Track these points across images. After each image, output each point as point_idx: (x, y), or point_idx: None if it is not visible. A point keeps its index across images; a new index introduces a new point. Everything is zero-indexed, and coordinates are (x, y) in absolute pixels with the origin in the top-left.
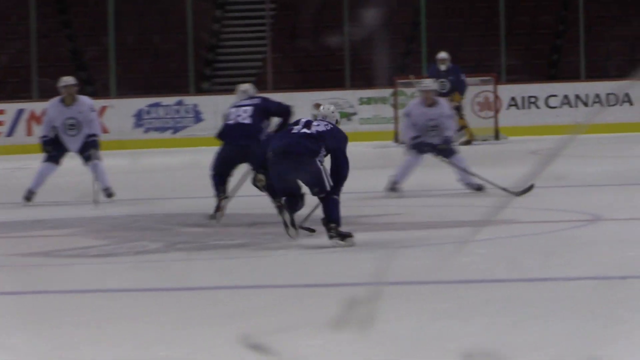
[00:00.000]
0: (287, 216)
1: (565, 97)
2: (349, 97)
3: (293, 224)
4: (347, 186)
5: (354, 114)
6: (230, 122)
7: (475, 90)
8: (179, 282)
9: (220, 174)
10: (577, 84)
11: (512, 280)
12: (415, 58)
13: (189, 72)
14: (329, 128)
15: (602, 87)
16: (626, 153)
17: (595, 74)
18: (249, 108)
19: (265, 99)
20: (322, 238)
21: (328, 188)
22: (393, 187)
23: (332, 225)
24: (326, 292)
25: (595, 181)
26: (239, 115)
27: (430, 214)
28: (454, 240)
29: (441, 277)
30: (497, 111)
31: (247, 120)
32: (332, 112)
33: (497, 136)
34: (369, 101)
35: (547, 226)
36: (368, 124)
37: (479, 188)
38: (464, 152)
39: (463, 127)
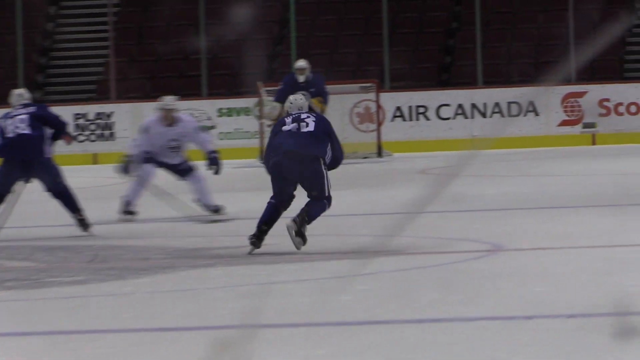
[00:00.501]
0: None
1: (460, 106)
2: (207, 107)
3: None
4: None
5: (213, 127)
6: (10, 135)
7: (354, 99)
8: (16, 326)
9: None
10: (473, 91)
11: (401, 321)
12: (284, 62)
13: (18, 79)
14: (315, 119)
15: (503, 94)
16: (533, 171)
17: (495, 79)
18: (25, 117)
19: (42, 107)
20: (174, 274)
21: (327, 194)
22: (127, 210)
23: (306, 220)
24: (184, 336)
25: (496, 205)
26: (17, 127)
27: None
28: (332, 274)
29: (318, 319)
30: (379, 123)
31: (27, 131)
32: (301, 100)
33: (379, 153)
34: (229, 112)
35: (442, 257)
36: (229, 139)
37: (216, 210)
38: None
39: None
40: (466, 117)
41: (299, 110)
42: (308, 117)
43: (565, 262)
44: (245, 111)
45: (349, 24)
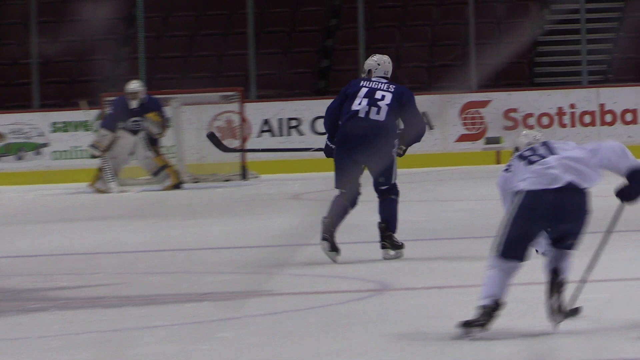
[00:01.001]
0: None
1: None
2: (38, 121)
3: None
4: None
5: (45, 145)
6: None
7: (214, 110)
8: None
9: None
10: None
11: None
12: (131, 66)
13: None
14: (393, 89)
15: None
16: (426, 196)
17: None
18: None
19: None
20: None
21: (393, 181)
22: None
23: (389, 233)
24: None
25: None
26: None
27: (143, 281)
28: (189, 319)
29: None
30: (244, 139)
31: None
32: (385, 62)
33: (244, 174)
34: (65, 127)
35: (320, 298)
36: (65, 158)
37: None
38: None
39: (164, 167)
40: None
41: (382, 75)
42: (384, 90)
43: (466, 304)
44: (84, 125)
45: (208, 22)
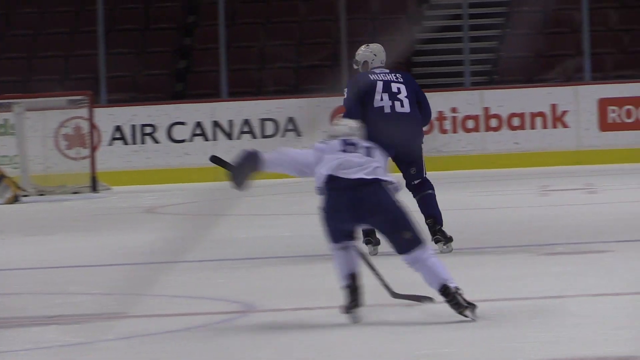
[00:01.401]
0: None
1: (198, 125)
2: None
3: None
4: None
5: None
6: None
7: (60, 116)
8: None
9: None
10: (216, 104)
11: None
12: None
13: None
14: (402, 79)
15: (254, 109)
16: (294, 209)
17: (244, 89)
18: None
19: None
20: None
21: (425, 173)
22: None
23: (439, 227)
24: None
25: (249, 252)
26: None
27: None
28: (35, 345)
29: None
30: (94, 148)
31: None
32: (381, 51)
33: (94, 186)
34: None
35: (177, 321)
36: None
37: None
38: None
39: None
40: (207, 139)
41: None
42: (400, 81)
43: (338, 326)
44: None
45: (53, 19)
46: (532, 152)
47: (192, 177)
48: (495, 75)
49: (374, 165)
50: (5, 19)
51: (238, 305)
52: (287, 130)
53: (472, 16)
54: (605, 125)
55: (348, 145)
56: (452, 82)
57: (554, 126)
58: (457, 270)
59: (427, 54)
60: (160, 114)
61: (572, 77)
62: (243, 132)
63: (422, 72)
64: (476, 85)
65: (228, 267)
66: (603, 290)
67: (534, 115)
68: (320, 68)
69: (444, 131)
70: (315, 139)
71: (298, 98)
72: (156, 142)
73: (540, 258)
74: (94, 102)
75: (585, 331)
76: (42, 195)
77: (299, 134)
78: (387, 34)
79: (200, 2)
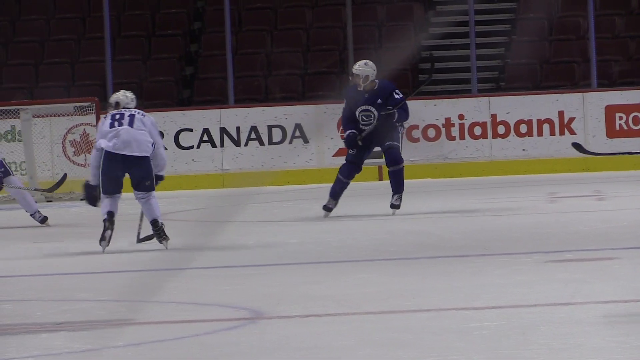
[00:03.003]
0: None
1: (206, 131)
2: None
3: None
4: None
5: None
6: None
7: (67, 123)
8: None
9: None
10: (223, 111)
11: None
12: None
13: None
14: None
15: (261, 116)
16: (302, 215)
17: (251, 96)
18: None
19: None
20: None
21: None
22: None
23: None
24: None
25: (256, 260)
26: None
27: None
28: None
29: None
30: None
31: None
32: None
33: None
34: None
35: (184, 328)
36: None
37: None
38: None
39: None
40: (214, 146)
41: None
42: None
43: (345, 333)
44: None
45: (60, 26)
46: (540, 159)
47: (200, 183)
48: (502, 82)
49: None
50: (11, 25)
51: (246, 312)
52: (294, 136)
53: (478, 23)
54: (612, 132)
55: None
56: (459, 89)
57: (562, 133)
58: (464, 276)
59: (435, 60)
60: (167, 120)
61: (579, 85)
62: (250, 139)
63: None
64: (483, 92)
65: (235, 274)
66: (611, 297)
67: (541, 122)
68: (327, 75)
69: (451, 138)
70: (323, 144)
71: (305, 105)
72: (164, 148)
73: (548, 265)
74: (101, 109)
75: (593, 338)
76: (49, 202)
77: (305, 141)
78: (394, 41)
79: (205, 9)
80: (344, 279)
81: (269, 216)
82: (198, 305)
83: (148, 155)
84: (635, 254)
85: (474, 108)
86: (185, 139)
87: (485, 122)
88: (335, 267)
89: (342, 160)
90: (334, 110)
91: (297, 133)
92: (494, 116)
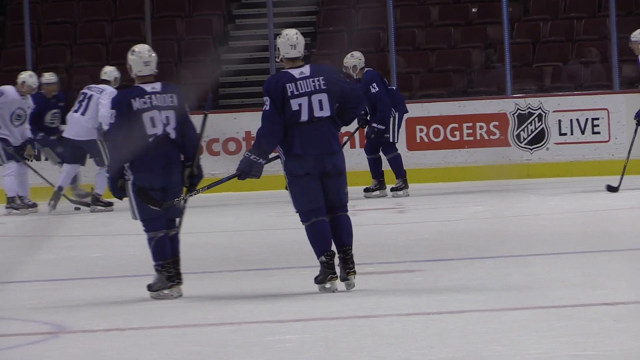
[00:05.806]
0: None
1: None
2: None
3: None
4: None
5: None
6: None
7: None
8: None
9: None
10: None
11: None
12: None
13: None
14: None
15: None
16: (102, 230)
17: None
18: None
19: None
20: None
21: None
22: None
23: None
24: None
25: (61, 273)
26: None
27: None
28: None
29: None
30: None
31: None
32: None
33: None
34: None
35: None
36: None
37: None
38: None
39: None
40: None
41: None
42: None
43: (149, 347)
44: None
45: (51, 30)
46: None
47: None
48: None
49: None
50: None
51: (49, 326)
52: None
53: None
54: (413, 144)
55: None
56: (260, 102)
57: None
58: (267, 289)
59: (233, 75)
60: None
61: None
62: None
63: (228, 92)
64: None
65: (38, 288)
66: (412, 310)
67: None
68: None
69: None
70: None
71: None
72: None
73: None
74: None
75: (396, 351)
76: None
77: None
78: (193, 55)
79: (5, 24)
80: (148, 293)
81: (69, 231)
82: (0, 319)
83: None
84: (436, 266)
85: None
86: None
87: None
88: (138, 281)
89: None
90: None
91: None
92: None
